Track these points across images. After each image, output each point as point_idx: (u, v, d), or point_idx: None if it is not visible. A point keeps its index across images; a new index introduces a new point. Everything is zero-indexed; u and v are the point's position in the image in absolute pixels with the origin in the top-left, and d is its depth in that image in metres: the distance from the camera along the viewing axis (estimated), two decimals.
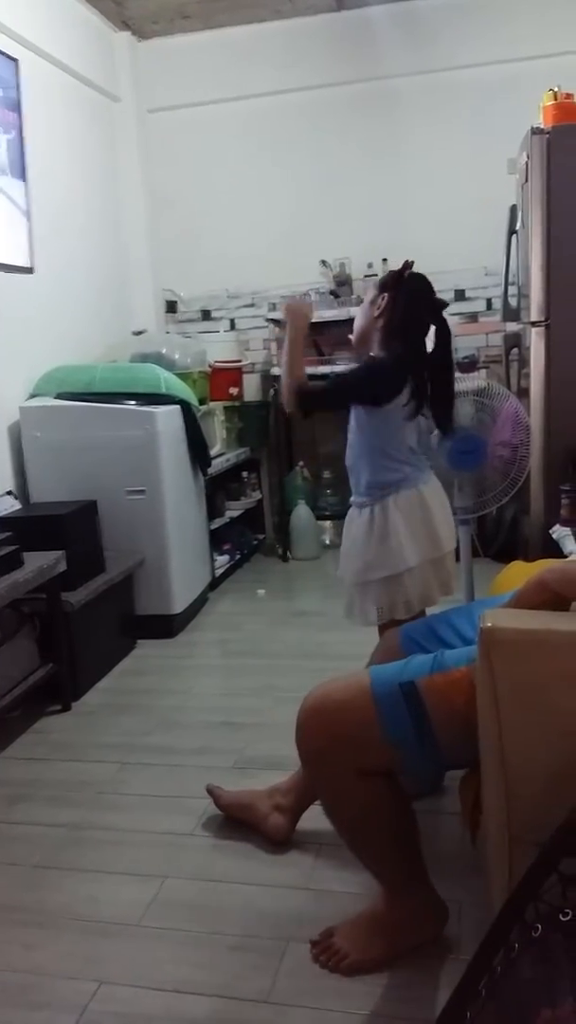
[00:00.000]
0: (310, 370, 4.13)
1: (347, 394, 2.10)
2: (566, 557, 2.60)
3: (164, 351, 3.87)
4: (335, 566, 2.28)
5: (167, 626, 3.37)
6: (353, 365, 2.07)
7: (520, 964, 0.94)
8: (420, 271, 2.10)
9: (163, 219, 4.61)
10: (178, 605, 3.40)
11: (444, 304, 2.15)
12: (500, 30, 4.06)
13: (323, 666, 2.92)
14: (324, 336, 4.45)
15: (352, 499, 2.19)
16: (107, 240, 4.29)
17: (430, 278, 2.10)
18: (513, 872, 1.13)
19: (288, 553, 4.53)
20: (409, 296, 2.06)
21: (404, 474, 2.10)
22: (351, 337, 2.21)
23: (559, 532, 2.82)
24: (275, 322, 4.36)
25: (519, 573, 2.01)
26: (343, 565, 2.19)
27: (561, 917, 0.94)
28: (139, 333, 4.25)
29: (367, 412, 2.07)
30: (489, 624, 1.10)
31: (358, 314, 2.18)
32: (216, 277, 4.65)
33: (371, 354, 2.13)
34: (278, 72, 4.35)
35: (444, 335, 2.15)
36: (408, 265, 2.09)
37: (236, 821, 2.00)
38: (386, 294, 2.07)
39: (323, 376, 4.10)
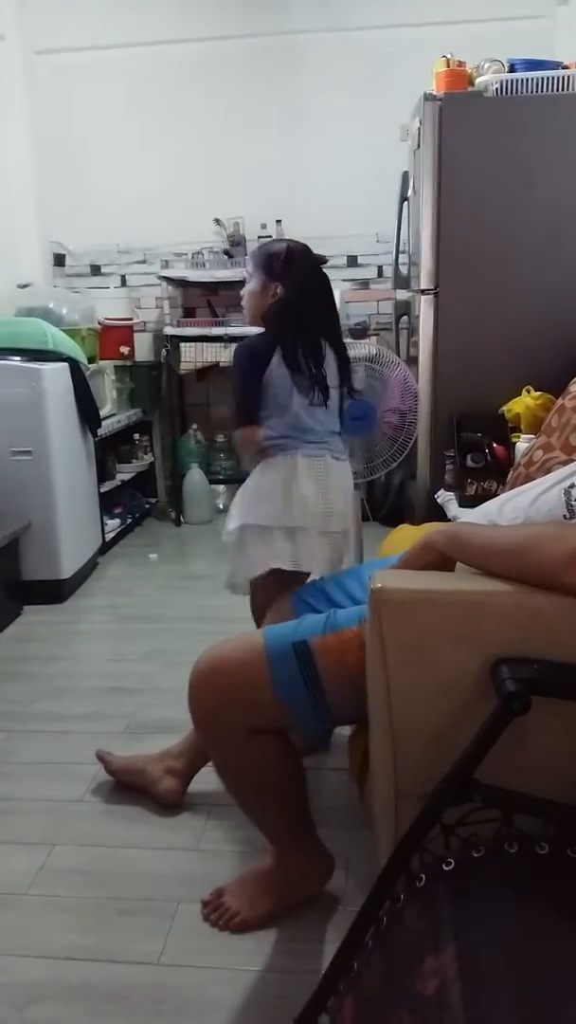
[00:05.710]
0: (204, 331, 4.14)
1: (245, 411, 2.06)
2: (450, 520, 2.67)
3: (51, 305, 3.73)
4: None
5: (55, 591, 3.29)
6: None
7: (406, 914, 0.98)
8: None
9: (51, 167, 4.41)
10: (67, 570, 3.32)
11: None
12: None
13: (215, 630, 2.89)
14: (218, 296, 4.40)
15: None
16: None
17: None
18: (399, 825, 1.17)
19: (181, 517, 4.49)
20: (302, 289, 2.03)
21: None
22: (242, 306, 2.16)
23: (444, 496, 2.89)
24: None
25: (407, 536, 2.06)
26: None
27: (444, 867, 0.98)
28: (24, 286, 4.07)
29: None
30: (379, 584, 1.12)
31: (246, 295, 2.10)
32: (107, 231, 4.48)
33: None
34: (175, 20, 4.19)
35: (333, 316, 2.15)
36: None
37: (127, 786, 1.99)
38: (278, 284, 2.02)
39: (218, 338, 4.11)
